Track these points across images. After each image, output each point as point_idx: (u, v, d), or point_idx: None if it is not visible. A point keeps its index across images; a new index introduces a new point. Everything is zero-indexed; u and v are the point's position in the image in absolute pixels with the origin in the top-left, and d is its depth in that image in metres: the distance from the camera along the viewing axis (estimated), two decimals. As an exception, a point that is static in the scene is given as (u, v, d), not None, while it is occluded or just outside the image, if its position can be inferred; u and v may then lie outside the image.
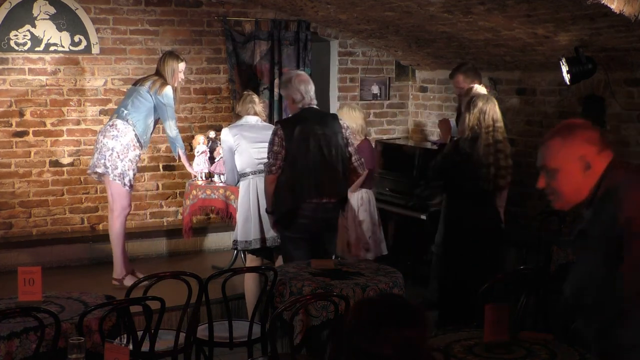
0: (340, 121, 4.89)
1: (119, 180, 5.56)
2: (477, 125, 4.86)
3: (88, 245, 6.50)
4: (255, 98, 5.84)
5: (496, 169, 4.84)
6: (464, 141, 4.95)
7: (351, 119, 5.68)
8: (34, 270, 3.86)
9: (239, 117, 5.71)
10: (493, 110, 4.87)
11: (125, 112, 5.59)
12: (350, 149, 4.85)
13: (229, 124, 6.04)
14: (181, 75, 5.75)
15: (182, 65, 5.73)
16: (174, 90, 5.72)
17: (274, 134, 4.69)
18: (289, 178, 4.65)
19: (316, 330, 4.05)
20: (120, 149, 5.53)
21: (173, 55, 5.77)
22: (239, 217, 5.36)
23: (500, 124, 4.88)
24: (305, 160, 4.65)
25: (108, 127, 5.61)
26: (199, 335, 4.17)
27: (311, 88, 4.81)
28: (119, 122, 5.57)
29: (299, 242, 4.74)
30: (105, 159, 5.54)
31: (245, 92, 6.01)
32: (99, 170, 5.60)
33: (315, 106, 4.83)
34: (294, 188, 4.64)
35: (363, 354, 2.08)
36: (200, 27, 6.92)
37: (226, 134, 5.51)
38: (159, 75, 5.67)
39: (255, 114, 5.60)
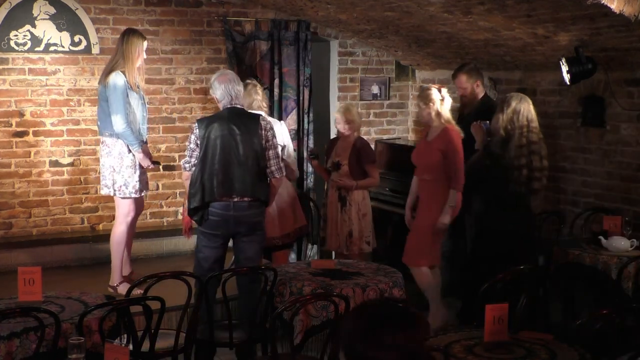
0: (262, 122, 4.71)
1: (122, 192, 5.43)
2: (510, 125, 4.79)
3: (88, 245, 6.49)
4: (259, 89, 5.70)
5: (529, 171, 4.75)
6: (495, 143, 4.85)
7: (357, 116, 5.83)
8: (34, 270, 3.87)
9: None
10: (527, 110, 4.78)
11: (100, 124, 5.44)
12: (270, 152, 4.72)
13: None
14: (144, 55, 5.46)
15: (146, 44, 5.47)
16: (139, 70, 5.42)
17: (191, 131, 4.76)
18: (200, 175, 4.67)
19: (316, 330, 4.06)
20: (115, 163, 5.38)
21: (137, 33, 5.45)
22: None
23: (535, 124, 4.78)
24: (217, 159, 4.65)
25: (100, 146, 5.52)
26: (199, 335, 4.17)
27: (233, 87, 4.70)
28: (103, 138, 5.43)
29: (211, 238, 4.74)
30: (105, 179, 5.44)
31: (247, 81, 5.75)
32: (103, 192, 5.55)
33: (239, 106, 4.76)
34: (204, 185, 4.66)
35: None
36: (200, 27, 6.92)
37: None
38: (117, 58, 5.34)
39: (259, 108, 5.54)
